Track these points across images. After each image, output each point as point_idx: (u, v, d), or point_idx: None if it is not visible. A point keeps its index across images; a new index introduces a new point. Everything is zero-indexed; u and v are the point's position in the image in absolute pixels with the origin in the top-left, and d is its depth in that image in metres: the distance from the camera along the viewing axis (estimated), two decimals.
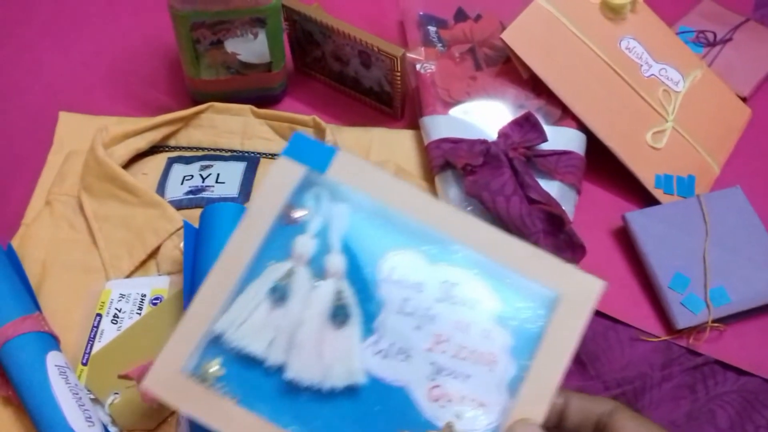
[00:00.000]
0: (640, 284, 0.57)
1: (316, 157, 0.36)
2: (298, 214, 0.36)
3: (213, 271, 0.34)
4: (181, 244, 0.49)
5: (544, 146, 0.57)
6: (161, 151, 0.59)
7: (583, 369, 0.52)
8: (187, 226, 0.48)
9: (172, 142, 0.60)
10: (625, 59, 0.62)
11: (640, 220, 0.57)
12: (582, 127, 0.59)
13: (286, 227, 0.35)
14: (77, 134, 0.61)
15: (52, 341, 0.45)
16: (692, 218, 0.57)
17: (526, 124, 0.57)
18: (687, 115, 0.63)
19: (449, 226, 0.35)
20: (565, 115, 0.60)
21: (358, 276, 0.35)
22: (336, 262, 0.35)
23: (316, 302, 0.34)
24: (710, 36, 0.72)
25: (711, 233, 0.56)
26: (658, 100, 0.62)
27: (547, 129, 0.58)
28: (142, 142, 0.58)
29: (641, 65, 0.63)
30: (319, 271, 0.35)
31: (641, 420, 0.35)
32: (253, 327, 0.34)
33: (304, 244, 0.35)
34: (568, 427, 0.36)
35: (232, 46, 0.60)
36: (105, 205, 0.53)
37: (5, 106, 0.64)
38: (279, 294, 0.34)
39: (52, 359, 0.44)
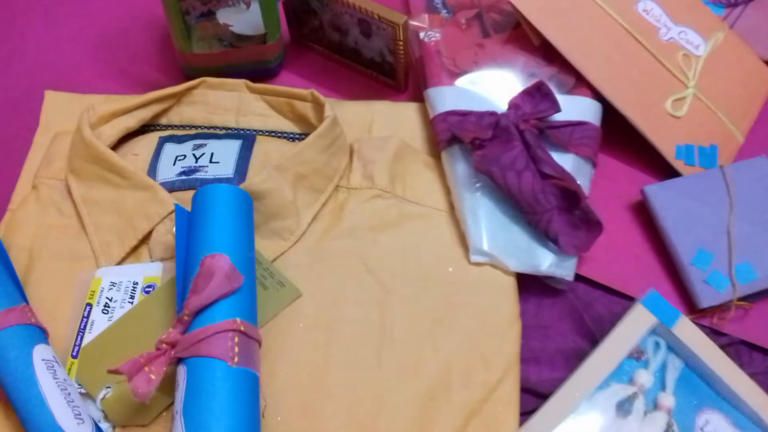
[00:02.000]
0: (660, 261, 0.54)
1: (666, 314, 0.47)
2: (642, 354, 0.47)
3: (571, 379, 0.45)
4: (174, 229, 0.47)
5: (557, 117, 0.54)
6: (152, 130, 0.56)
7: None
8: (178, 209, 0.45)
9: (163, 121, 0.57)
10: (642, 22, 0.58)
11: (659, 194, 0.54)
12: (597, 95, 0.56)
13: (631, 359, 0.47)
14: (64, 114, 0.58)
15: (40, 334, 0.43)
16: (715, 190, 0.54)
17: (537, 93, 0.54)
18: (708, 81, 0.59)
19: (757, 401, 0.45)
20: (579, 83, 0.56)
21: (681, 417, 0.46)
22: (668, 401, 0.46)
23: (651, 425, 0.45)
24: None
25: (736, 206, 0.53)
26: (677, 65, 0.58)
27: (560, 98, 0.54)
28: (131, 121, 0.54)
29: (659, 28, 0.59)
30: (651, 403, 0.46)
31: None
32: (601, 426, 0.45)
33: (645, 378, 0.46)
34: None
35: (223, 16, 0.57)
36: (94, 188, 0.51)
37: None
38: (624, 410, 0.45)
39: (39, 353, 0.41)
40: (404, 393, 0.44)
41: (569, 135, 0.54)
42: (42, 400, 0.39)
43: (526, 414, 0.45)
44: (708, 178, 0.54)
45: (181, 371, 0.39)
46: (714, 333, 0.51)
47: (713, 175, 0.54)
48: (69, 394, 0.40)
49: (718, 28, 0.62)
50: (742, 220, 0.52)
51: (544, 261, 0.50)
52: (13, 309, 0.43)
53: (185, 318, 0.40)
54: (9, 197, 0.53)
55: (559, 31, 0.56)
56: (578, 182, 0.51)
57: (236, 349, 0.39)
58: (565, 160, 0.53)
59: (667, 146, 0.56)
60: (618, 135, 0.57)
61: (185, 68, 0.61)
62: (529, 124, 0.52)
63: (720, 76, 0.60)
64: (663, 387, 0.47)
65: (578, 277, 0.52)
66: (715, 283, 0.51)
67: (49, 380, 0.40)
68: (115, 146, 0.54)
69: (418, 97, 0.60)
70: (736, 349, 0.50)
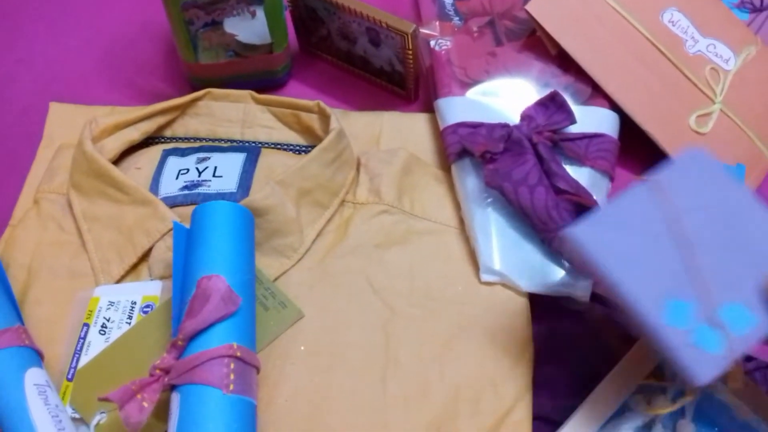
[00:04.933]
0: None
1: None
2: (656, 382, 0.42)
3: (584, 406, 0.42)
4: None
5: (573, 129, 0.52)
6: (156, 143, 0.55)
7: None
8: (176, 226, 0.44)
9: (167, 133, 0.56)
10: (667, 34, 0.56)
11: (592, 236, 0.37)
12: (615, 107, 0.54)
13: (648, 385, 0.43)
14: (69, 126, 0.57)
15: (34, 356, 0.42)
16: (657, 213, 0.39)
17: (551, 104, 0.51)
18: (738, 97, 0.56)
19: None
20: (596, 93, 0.54)
21: None
22: (687, 429, 0.43)
23: None
24: (756, 1, 0.65)
25: (692, 226, 0.38)
26: (704, 79, 0.55)
27: (576, 109, 0.52)
28: (135, 134, 0.53)
29: (686, 40, 0.56)
30: (670, 431, 0.43)
31: None
32: None
33: (663, 404, 0.43)
34: None
35: (229, 26, 0.55)
36: (95, 204, 0.50)
37: None
38: None
39: (31, 377, 0.40)
40: (410, 421, 0.42)
41: (585, 148, 0.51)
42: (31, 427, 0.38)
43: None
44: (642, 200, 0.39)
45: (175, 399, 0.38)
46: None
47: (645, 193, 0.39)
48: (60, 421, 0.39)
49: (750, 41, 0.59)
50: (708, 243, 0.38)
51: (558, 280, 0.48)
52: (7, 330, 0.42)
53: (179, 343, 0.38)
54: (11, 210, 0.53)
55: (577, 40, 0.53)
56: (594, 198, 0.49)
57: (232, 376, 0.37)
58: (581, 174, 0.50)
59: None
60: (637, 148, 0.55)
61: (191, 79, 0.59)
62: (543, 137, 0.50)
63: (750, 92, 0.57)
64: (682, 414, 0.44)
65: (594, 297, 0.50)
66: (707, 343, 0.36)
67: (40, 406, 0.39)
68: (118, 159, 0.53)
69: (429, 108, 0.58)
70: (764, 374, 0.48)
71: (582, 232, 0.38)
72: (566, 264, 0.48)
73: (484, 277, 0.48)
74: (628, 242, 0.38)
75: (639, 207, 0.39)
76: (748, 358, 0.48)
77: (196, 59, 0.57)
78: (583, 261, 0.38)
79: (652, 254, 0.38)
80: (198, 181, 0.51)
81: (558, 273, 0.48)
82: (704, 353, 0.36)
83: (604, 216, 0.38)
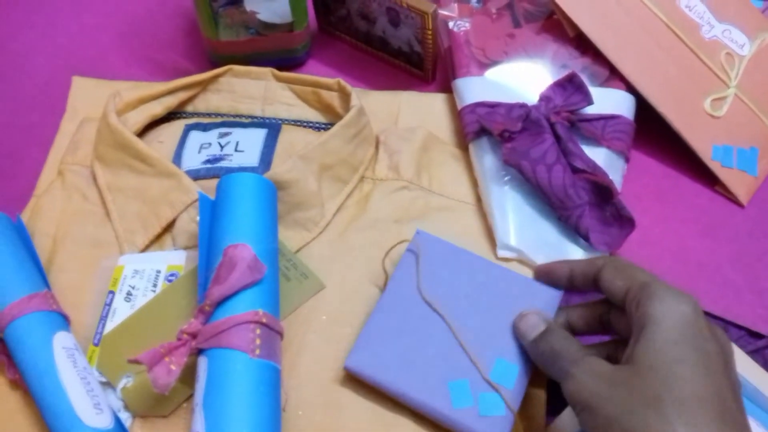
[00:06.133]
0: (697, 258, 0.52)
1: None
2: None
3: None
4: (198, 217, 0.46)
5: (590, 110, 0.52)
6: (178, 118, 0.56)
7: None
8: (202, 197, 0.45)
9: (189, 108, 0.56)
10: (684, 18, 0.56)
11: (364, 361, 0.42)
12: (631, 88, 0.54)
13: None
14: (91, 100, 0.58)
15: (61, 321, 0.43)
16: (414, 304, 0.43)
17: (569, 85, 0.52)
18: (752, 82, 0.57)
19: None
20: (613, 75, 0.54)
21: None
22: None
23: None
24: None
25: (444, 305, 0.43)
26: (719, 63, 0.56)
27: (593, 91, 0.53)
28: (158, 108, 0.54)
29: (702, 25, 0.57)
30: None
31: (623, 268, 0.38)
32: None
33: None
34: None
35: (250, 4, 0.56)
36: (119, 175, 0.50)
37: (17, 70, 0.62)
38: None
39: (60, 340, 0.41)
40: None
41: (602, 128, 0.52)
42: (61, 388, 0.39)
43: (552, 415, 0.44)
44: (400, 297, 0.44)
45: (202, 362, 0.39)
46: (750, 335, 0.49)
47: (399, 288, 0.44)
48: (89, 383, 0.40)
49: (764, 28, 0.59)
50: (462, 316, 0.43)
51: (574, 258, 0.48)
52: (36, 295, 0.42)
53: (207, 308, 0.39)
54: (35, 183, 0.53)
55: (595, 23, 0.54)
56: (610, 177, 0.49)
57: (258, 341, 0.38)
58: (597, 155, 0.51)
59: (703, 146, 0.54)
60: (653, 129, 0.55)
61: (212, 56, 0.60)
62: (561, 117, 0.51)
63: (765, 78, 0.57)
64: None
65: None
66: (491, 409, 0.40)
67: (69, 368, 0.40)
68: (141, 133, 0.54)
69: (446, 88, 0.58)
70: None
71: (355, 362, 0.42)
72: (582, 242, 0.49)
73: (501, 253, 0.49)
74: (399, 347, 0.42)
75: (399, 306, 0.43)
76: (759, 336, 0.49)
77: (217, 36, 0.58)
78: (370, 383, 0.42)
79: (422, 347, 0.42)
80: (220, 155, 0.52)
81: (574, 250, 0.49)
82: (492, 419, 0.40)
83: (370, 332, 0.43)
